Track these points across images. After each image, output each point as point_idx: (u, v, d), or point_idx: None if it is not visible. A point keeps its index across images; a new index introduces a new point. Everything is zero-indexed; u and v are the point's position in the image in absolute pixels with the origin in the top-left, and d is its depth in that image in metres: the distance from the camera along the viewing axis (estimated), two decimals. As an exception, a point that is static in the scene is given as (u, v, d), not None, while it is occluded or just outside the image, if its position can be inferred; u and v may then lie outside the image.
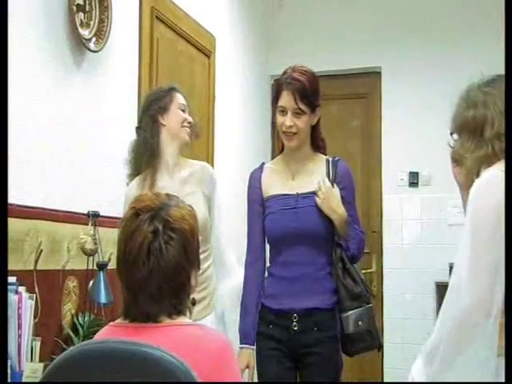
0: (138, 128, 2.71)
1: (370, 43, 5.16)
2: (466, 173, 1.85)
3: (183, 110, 2.69)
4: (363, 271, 4.63)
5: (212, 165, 4.01)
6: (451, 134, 1.98)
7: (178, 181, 2.64)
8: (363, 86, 5.30)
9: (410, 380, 1.85)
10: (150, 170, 2.61)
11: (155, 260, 1.49)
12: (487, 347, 1.67)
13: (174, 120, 2.66)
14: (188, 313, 1.58)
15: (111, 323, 1.60)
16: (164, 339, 1.44)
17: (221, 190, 4.39)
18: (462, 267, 1.71)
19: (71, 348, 1.45)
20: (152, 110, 2.65)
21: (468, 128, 1.87)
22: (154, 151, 2.62)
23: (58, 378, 1.38)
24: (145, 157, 2.63)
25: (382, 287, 5.01)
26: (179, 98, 2.70)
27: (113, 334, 1.55)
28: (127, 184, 2.69)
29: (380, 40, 5.15)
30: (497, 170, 1.75)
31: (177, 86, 2.78)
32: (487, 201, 1.71)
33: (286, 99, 2.44)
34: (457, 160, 1.94)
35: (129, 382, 1.33)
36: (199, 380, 1.34)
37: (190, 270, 1.55)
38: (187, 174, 2.68)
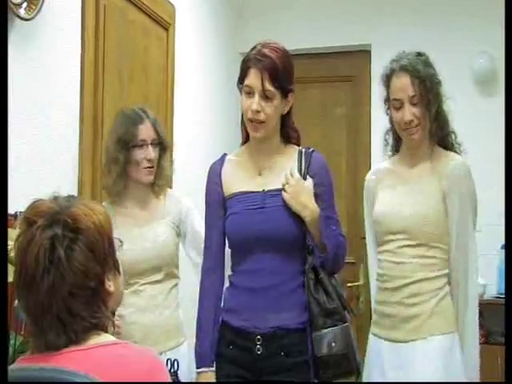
0: None
1: (357, 16, 5.25)
2: None
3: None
4: (349, 284, 4.68)
5: (170, 160, 3.97)
6: None
7: None
8: (349, 67, 5.37)
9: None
10: None
11: (56, 271, 1.47)
12: None
13: None
14: (111, 326, 1.58)
15: (20, 358, 1.57)
16: (86, 363, 1.45)
17: (181, 188, 4.35)
18: None
19: None
20: None
21: None
22: None
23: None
24: None
25: (370, 303, 4.98)
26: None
27: None
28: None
29: (370, 13, 5.21)
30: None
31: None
32: None
33: (253, 78, 2.42)
34: None
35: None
36: None
37: (102, 273, 1.54)
38: None
